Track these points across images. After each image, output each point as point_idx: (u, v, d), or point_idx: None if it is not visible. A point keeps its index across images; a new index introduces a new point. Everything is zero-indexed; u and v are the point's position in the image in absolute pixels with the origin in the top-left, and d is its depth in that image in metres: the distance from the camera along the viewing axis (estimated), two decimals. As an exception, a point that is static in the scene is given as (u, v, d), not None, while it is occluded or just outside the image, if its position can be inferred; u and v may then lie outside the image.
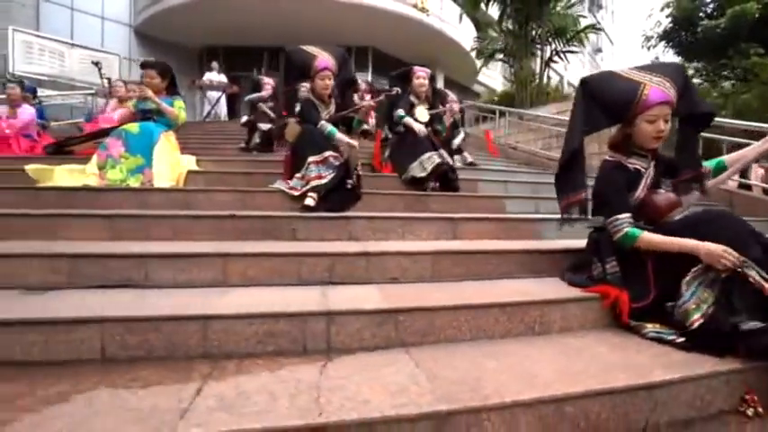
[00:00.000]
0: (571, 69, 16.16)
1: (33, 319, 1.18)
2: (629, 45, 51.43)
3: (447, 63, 13.20)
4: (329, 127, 2.63)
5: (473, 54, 10.58)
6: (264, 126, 4.93)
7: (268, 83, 5.54)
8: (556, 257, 1.94)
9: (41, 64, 8.96)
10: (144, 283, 1.55)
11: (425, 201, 2.67)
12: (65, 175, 2.69)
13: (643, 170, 1.65)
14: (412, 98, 3.46)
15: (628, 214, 1.55)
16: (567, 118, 5.63)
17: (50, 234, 1.96)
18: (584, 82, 1.63)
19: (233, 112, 9.48)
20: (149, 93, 2.96)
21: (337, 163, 2.46)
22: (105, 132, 3.11)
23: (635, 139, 1.61)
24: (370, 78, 11.88)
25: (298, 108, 2.91)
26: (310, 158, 2.44)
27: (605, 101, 1.58)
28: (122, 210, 2.17)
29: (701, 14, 8.82)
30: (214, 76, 8.71)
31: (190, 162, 3.04)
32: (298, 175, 2.49)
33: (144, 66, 3.18)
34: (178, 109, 3.13)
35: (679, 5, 9.09)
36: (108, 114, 5.06)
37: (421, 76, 3.52)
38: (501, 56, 9.63)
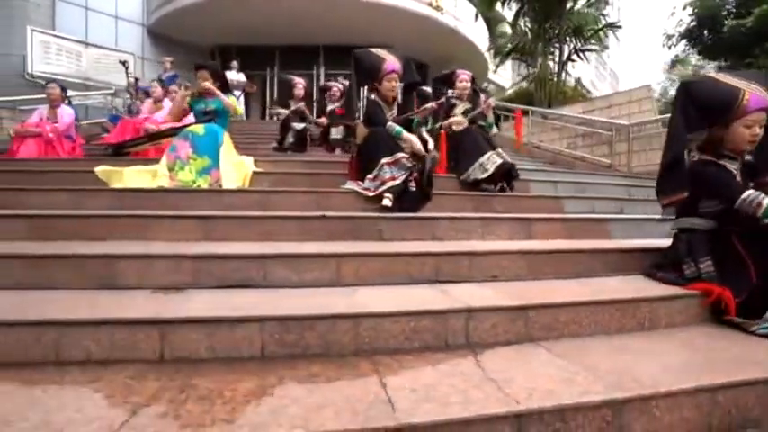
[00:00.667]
0: (578, 68, 16.29)
1: (197, 318, 1.24)
2: (636, 42, 51.59)
3: (460, 61, 13.19)
4: (396, 127, 2.69)
5: (489, 53, 10.63)
6: (298, 125, 4.98)
7: (299, 82, 5.59)
8: (635, 256, 2.01)
9: (59, 64, 8.96)
10: (263, 283, 1.61)
11: (490, 201, 2.74)
12: (134, 176, 2.75)
13: (734, 171, 1.72)
14: (454, 100, 3.56)
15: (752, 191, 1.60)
16: (594, 118, 5.73)
17: (141, 235, 2.01)
18: (686, 84, 1.72)
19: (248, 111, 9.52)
20: (213, 87, 3.02)
21: (409, 164, 2.52)
22: (162, 135, 3.16)
23: (727, 142, 1.68)
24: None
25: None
26: (384, 160, 2.50)
27: (706, 103, 1.66)
28: (212, 211, 2.22)
29: (724, 13, 8.91)
30: (233, 75, 8.71)
31: (250, 163, 3.09)
32: (369, 176, 2.55)
33: (198, 67, 3.23)
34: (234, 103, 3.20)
35: (702, 4, 9.16)
36: (144, 115, 5.10)
37: (464, 79, 3.59)
38: (517, 54, 9.73)
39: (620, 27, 9.18)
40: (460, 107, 3.53)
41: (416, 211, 2.46)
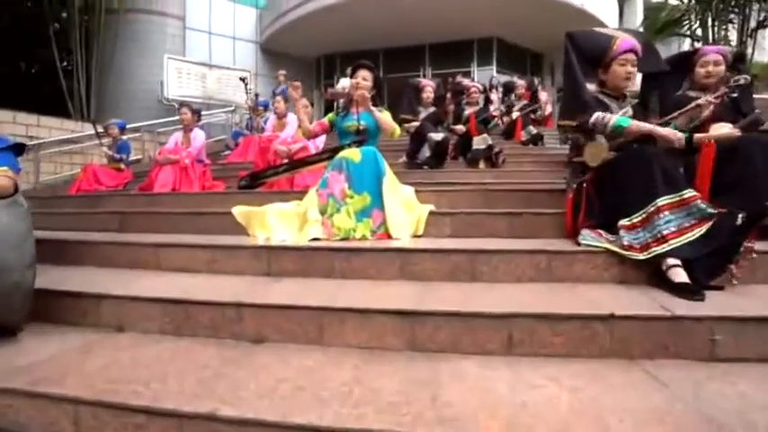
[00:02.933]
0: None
1: None
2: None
3: (584, 47, 11.34)
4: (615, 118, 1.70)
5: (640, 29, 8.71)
6: (437, 136, 4.18)
7: (428, 85, 4.81)
8: None
9: (188, 87, 9.59)
10: None
11: None
12: (278, 220, 2.16)
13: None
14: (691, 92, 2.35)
15: None
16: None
17: (317, 338, 1.34)
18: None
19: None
20: (367, 96, 2.35)
21: (709, 210, 1.49)
22: (303, 162, 2.57)
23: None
24: (494, 72, 10.73)
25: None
26: (661, 200, 1.51)
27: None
28: (407, 294, 1.47)
29: None
30: (346, 82, 8.35)
31: (411, 194, 2.34)
32: (624, 221, 1.58)
33: (358, 67, 2.57)
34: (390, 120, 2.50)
35: None
36: (268, 132, 4.80)
37: (715, 60, 2.34)
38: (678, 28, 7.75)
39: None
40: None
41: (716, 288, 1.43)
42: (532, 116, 6.00)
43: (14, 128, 6.05)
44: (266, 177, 2.65)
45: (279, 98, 5.02)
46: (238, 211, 2.25)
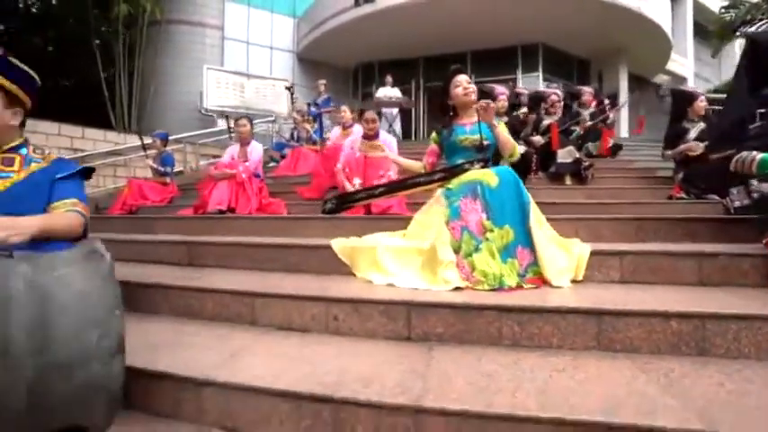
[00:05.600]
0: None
1: None
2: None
3: (635, 52, 10.68)
4: None
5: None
6: (520, 148, 3.68)
7: (503, 93, 4.34)
8: None
9: (227, 97, 9.43)
10: None
11: None
12: (393, 257, 1.71)
13: None
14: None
15: None
16: None
17: None
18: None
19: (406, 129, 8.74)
20: (493, 105, 1.91)
21: None
22: (408, 185, 2.12)
23: None
24: (541, 79, 10.19)
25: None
26: None
27: None
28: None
29: None
30: (388, 91, 8.00)
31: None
32: None
33: (457, 72, 2.15)
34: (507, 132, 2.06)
35: None
36: (330, 143, 4.40)
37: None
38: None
39: None
40: None
41: None
42: (600, 125, 5.45)
43: (59, 140, 5.90)
44: (358, 201, 2.21)
45: (344, 108, 4.65)
46: (340, 246, 1.81)
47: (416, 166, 2.15)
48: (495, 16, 9.25)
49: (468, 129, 2.07)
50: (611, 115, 4.99)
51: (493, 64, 10.39)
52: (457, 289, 1.47)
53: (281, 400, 0.99)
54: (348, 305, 1.37)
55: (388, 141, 3.24)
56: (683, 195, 3.04)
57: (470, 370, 1.09)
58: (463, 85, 2.10)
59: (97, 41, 8.29)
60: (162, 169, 5.01)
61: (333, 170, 3.78)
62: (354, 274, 1.75)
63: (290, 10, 11.46)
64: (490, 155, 2.03)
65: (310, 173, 4.91)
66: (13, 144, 1.28)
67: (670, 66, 12.13)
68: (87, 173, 1.40)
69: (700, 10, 13.21)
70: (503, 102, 4.24)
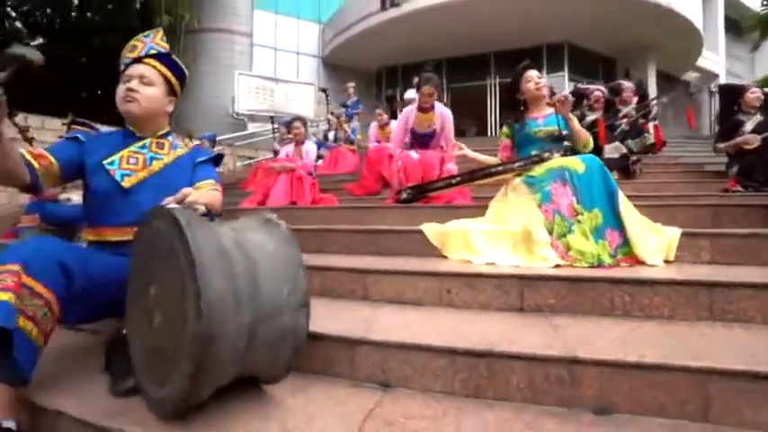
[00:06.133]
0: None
1: None
2: None
3: (664, 49, 10.58)
4: None
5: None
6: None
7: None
8: None
9: (257, 101, 9.68)
10: None
11: None
12: (485, 240, 1.80)
13: None
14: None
15: None
16: None
17: None
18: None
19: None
20: (571, 99, 2.00)
21: None
22: (485, 174, 2.21)
23: None
24: (566, 79, 10.18)
25: None
26: None
27: None
28: None
29: None
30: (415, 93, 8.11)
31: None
32: None
33: (528, 67, 2.26)
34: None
35: None
36: (373, 143, 4.53)
37: None
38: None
39: None
40: None
41: None
42: (642, 121, 5.45)
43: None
44: (434, 190, 2.32)
45: (379, 110, 4.80)
46: (431, 231, 1.91)
47: (493, 161, 2.24)
48: (520, 16, 9.30)
49: (540, 121, 2.17)
50: (655, 110, 4.99)
51: (517, 64, 10.38)
52: (557, 267, 1.55)
53: (435, 356, 1.09)
54: (461, 280, 1.47)
55: (445, 114, 3.16)
56: (740, 189, 3.04)
57: (599, 332, 1.17)
58: (534, 80, 2.20)
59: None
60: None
61: (378, 173, 3.87)
62: (445, 257, 1.85)
63: (316, 16, 11.73)
64: (564, 146, 2.11)
65: (352, 171, 5.05)
66: (163, 131, 1.42)
67: (700, 62, 11.97)
68: (218, 160, 1.55)
69: (731, 4, 13.01)
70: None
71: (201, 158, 1.45)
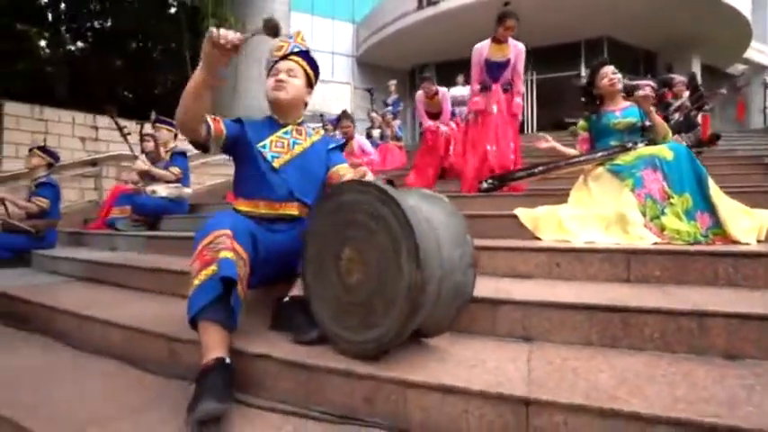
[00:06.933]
0: None
1: None
2: None
3: (709, 41, 10.31)
4: None
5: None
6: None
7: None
8: None
9: (298, 101, 10.01)
10: None
11: None
12: (577, 222, 1.97)
13: None
14: None
15: None
16: None
17: None
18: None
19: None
20: (652, 94, 2.14)
21: None
22: (569, 163, 2.37)
23: None
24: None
25: None
26: None
27: None
28: None
29: None
30: (459, 90, 8.23)
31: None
32: None
33: (603, 64, 2.40)
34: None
35: None
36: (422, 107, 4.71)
37: None
38: None
39: None
40: None
41: None
42: (694, 113, 5.43)
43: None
44: (516, 179, 2.50)
45: (428, 82, 4.94)
46: (524, 214, 2.10)
47: (574, 152, 2.40)
48: (559, 12, 9.27)
49: (618, 113, 2.32)
50: (710, 104, 4.99)
51: (555, 60, 10.40)
52: (655, 244, 1.71)
53: (572, 312, 1.27)
54: (569, 254, 1.65)
55: (519, 47, 3.49)
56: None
57: (710, 296, 1.33)
58: (608, 76, 2.35)
59: (159, 52, 9.16)
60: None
61: (437, 160, 4.12)
62: (539, 238, 2.02)
63: (350, 16, 11.99)
64: (646, 137, 2.25)
65: (400, 167, 5.27)
66: (300, 119, 1.65)
67: (748, 54, 11.58)
68: (343, 146, 1.77)
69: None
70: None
71: (333, 145, 1.68)
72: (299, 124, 1.64)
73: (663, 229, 1.78)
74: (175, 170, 3.72)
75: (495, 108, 3.31)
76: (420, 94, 4.46)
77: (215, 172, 6.81)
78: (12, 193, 3.54)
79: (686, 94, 5.46)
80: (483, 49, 3.40)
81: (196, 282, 1.16)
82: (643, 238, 1.74)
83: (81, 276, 2.66)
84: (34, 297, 2.04)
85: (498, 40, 3.35)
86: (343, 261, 1.17)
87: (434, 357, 1.18)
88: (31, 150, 3.66)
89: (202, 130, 1.37)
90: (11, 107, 5.04)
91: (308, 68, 1.62)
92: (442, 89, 4.50)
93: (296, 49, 1.60)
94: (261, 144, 1.52)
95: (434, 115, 4.46)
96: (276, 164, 1.51)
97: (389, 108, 6.80)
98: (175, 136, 3.94)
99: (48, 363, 1.54)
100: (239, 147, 1.51)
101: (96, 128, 5.73)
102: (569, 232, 1.93)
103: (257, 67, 10.52)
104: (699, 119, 5.17)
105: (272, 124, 1.59)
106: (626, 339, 1.22)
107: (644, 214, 1.85)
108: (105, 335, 1.62)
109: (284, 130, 1.58)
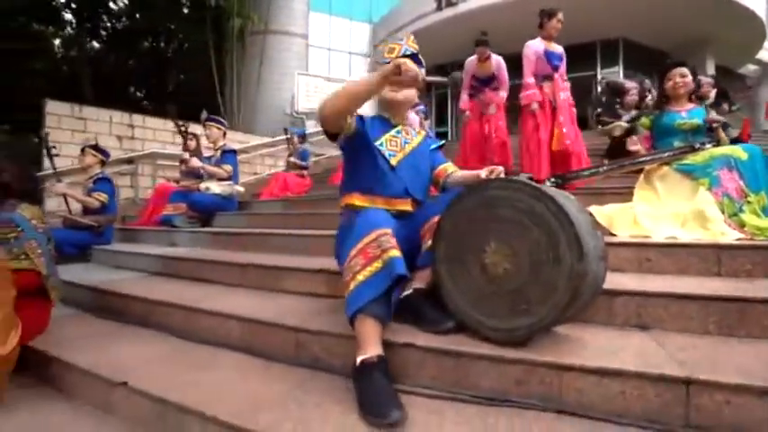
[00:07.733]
0: None
1: None
2: None
3: (722, 42, 10.40)
4: None
5: None
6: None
7: (633, 87, 4.57)
8: None
9: (315, 100, 10.11)
10: None
11: None
12: (651, 220, 2.06)
13: None
14: None
15: None
16: None
17: None
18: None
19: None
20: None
21: None
22: (636, 161, 2.45)
23: None
24: (621, 75, 10.15)
25: None
26: None
27: None
28: None
29: None
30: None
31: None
32: None
33: (672, 66, 2.48)
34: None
35: None
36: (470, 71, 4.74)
37: None
38: None
39: None
40: None
41: None
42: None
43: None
44: (580, 178, 2.58)
45: (481, 46, 4.94)
46: (598, 211, 2.18)
47: (626, 149, 2.49)
48: (574, 13, 9.30)
49: (684, 114, 2.40)
50: (738, 104, 5.06)
51: (571, 60, 10.42)
52: (738, 240, 1.79)
53: (687, 302, 1.36)
54: (658, 249, 1.73)
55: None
56: None
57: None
58: (675, 79, 2.42)
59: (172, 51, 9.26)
60: (302, 163, 5.61)
61: (480, 154, 4.23)
62: (613, 234, 2.11)
63: (367, 16, 12.07)
64: (714, 138, 2.33)
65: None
66: (406, 120, 1.73)
67: (761, 54, 11.66)
68: (441, 146, 1.85)
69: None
70: (633, 96, 4.48)
71: (434, 145, 1.77)
72: (405, 125, 1.73)
73: (743, 225, 1.87)
74: (227, 167, 3.80)
75: (561, 95, 3.44)
76: (470, 60, 4.51)
77: (245, 170, 6.91)
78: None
79: (713, 94, 5.53)
80: (536, 44, 3.60)
81: (360, 277, 1.23)
82: (725, 233, 1.82)
83: (153, 271, 2.75)
84: (131, 291, 2.12)
85: (550, 36, 3.63)
86: (488, 254, 1.26)
87: (575, 344, 1.26)
88: (83, 149, 3.74)
89: (344, 122, 1.49)
90: (52, 106, 5.14)
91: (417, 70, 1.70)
92: (498, 57, 4.59)
93: (407, 52, 1.68)
94: (378, 142, 1.60)
95: (481, 81, 4.55)
96: (393, 161, 1.60)
97: (421, 107, 6.85)
98: (224, 134, 4.02)
99: (174, 350, 1.62)
100: (358, 141, 1.59)
101: (132, 126, 5.83)
102: (645, 229, 2.01)
103: (271, 70, 10.62)
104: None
105: (385, 123, 1.68)
106: (743, 329, 1.30)
107: (722, 212, 1.93)
108: (222, 326, 1.70)
109: (396, 129, 1.67)
